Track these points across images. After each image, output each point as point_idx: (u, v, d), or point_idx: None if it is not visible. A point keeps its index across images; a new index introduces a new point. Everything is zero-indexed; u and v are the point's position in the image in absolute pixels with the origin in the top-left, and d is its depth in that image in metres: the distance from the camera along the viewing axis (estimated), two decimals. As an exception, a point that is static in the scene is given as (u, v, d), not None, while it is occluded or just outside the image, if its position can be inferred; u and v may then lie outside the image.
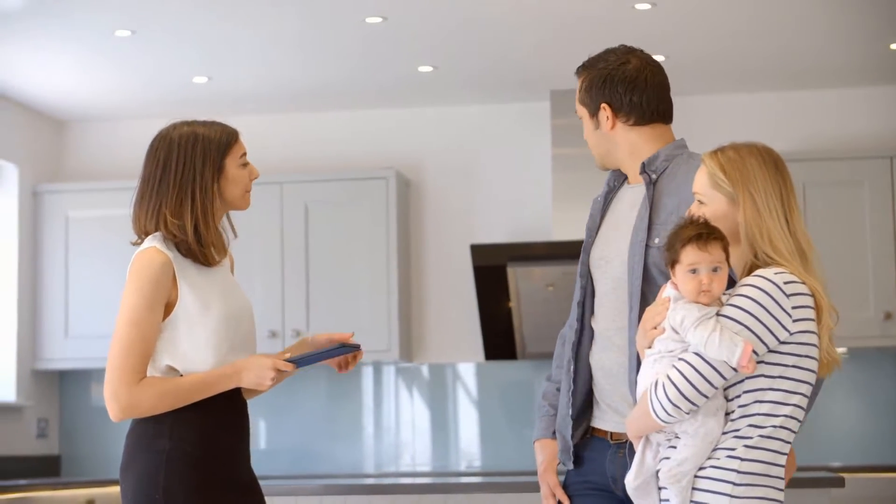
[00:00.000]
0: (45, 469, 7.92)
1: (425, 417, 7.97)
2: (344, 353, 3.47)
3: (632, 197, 3.53)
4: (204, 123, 3.50)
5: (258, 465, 7.95)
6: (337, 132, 8.14)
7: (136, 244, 3.49)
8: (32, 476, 7.57)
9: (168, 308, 3.37)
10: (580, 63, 3.62)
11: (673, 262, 3.03)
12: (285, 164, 8.10)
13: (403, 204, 7.87)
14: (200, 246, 3.42)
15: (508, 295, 7.58)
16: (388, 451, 7.96)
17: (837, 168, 7.46)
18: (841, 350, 7.44)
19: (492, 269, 7.58)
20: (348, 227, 7.73)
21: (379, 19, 6.40)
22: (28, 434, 7.85)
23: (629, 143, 3.53)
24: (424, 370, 7.98)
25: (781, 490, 2.98)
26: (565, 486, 3.56)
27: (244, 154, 3.52)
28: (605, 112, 3.51)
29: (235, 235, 3.61)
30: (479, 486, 4.85)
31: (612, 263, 3.47)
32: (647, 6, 6.28)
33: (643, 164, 3.47)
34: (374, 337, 7.60)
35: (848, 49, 7.06)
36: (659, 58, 7.05)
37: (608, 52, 3.58)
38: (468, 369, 7.95)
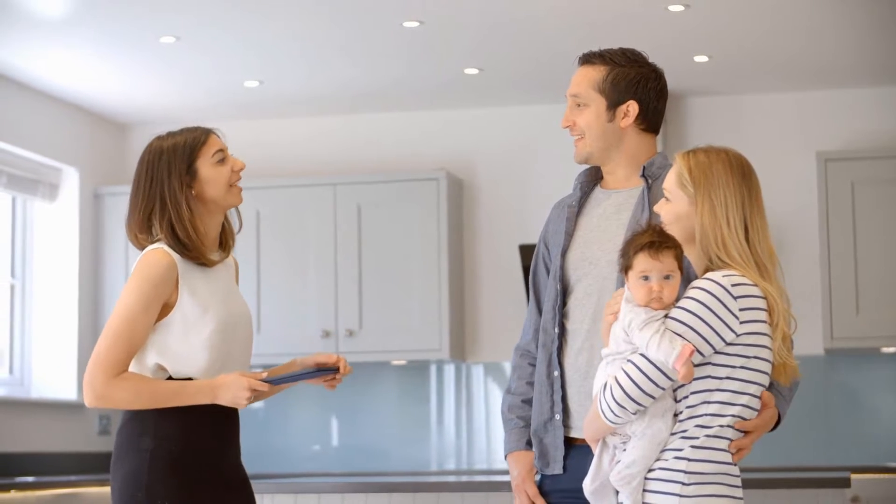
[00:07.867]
0: (108, 466, 8.07)
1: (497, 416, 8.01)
2: (321, 375, 3.53)
3: (618, 200, 3.57)
4: (172, 134, 3.57)
5: (332, 462, 8.04)
6: (388, 134, 8.22)
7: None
8: (95, 472, 7.73)
9: (166, 309, 3.45)
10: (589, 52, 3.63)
11: (626, 269, 3.08)
12: (338, 166, 8.20)
13: (455, 204, 7.94)
14: (186, 249, 3.48)
15: (558, 295, 7.59)
16: (462, 449, 8.01)
17: (885, 166, 7.38)
18: (890, 349, 7.39)
19: (541, 269, 7.61)
20: (400, 227, 7.81)
21: (416, 23, 6.47)
22: (90, 431, 8.03)
23: (634, 146, 3.58)
24: (506, 368, 8.00)
25: (735, 486, 3.00)
26: (542, 496, 3.57)
27: (218, 151, 3.54)
28: (632, 109, 3.54)
29: (240, 227, 3.69)
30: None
31: (597, 265, 3.50)
32: (679, 7, 6.27)
33: (644, 167, 3.52)
34: (425, 337, 7.69)
35: (894, 45, 6.99)
36: (701, 59, 7.10)
37: (629, 51, 3.61)
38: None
